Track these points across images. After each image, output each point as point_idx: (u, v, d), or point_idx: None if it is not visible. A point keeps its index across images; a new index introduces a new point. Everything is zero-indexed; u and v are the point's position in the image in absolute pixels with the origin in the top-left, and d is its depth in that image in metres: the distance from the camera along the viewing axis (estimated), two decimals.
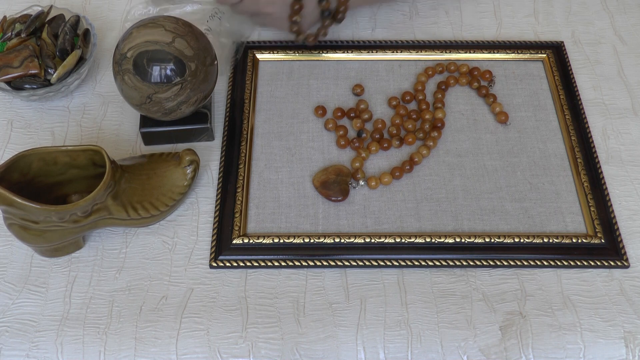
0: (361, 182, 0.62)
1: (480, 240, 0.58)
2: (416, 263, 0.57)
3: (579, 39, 0.76)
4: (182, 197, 0.60)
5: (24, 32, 0.67)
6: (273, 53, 0.72)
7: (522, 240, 0.58)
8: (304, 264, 0.57)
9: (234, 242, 0.58)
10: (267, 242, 0.58)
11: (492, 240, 0.58)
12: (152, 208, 0.58)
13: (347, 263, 0.57)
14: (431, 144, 0.65)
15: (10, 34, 0.67)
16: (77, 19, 0.69)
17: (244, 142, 0.65)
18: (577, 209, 0.61)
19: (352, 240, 0.58)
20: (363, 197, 0.62)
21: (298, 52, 0.73)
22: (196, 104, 0.60)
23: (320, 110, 0.67)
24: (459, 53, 0.73)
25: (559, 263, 0.58)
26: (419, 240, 0.58)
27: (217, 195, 0.61)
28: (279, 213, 0.61)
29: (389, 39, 0.74)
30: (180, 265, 0.58)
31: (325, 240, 0.58)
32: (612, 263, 0.57)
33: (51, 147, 0.55)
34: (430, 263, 0.57)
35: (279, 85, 0.70)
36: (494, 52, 0.73)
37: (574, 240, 0.58)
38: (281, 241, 0.58)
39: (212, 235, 0.59)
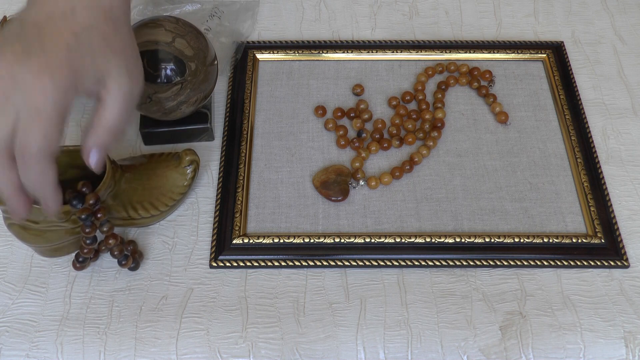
0: (361, 182, 0.62)
1: (480, 240, 0.58)
2: (416, 263, 0.57)
3: (579, 39, 0.76)
4: (182, 197, 0.60)
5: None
6: (273, 53, 0.72)
7: (522, 240, 0.58)
8: (304, 264, 0.57)
9: (234, 242, 0.58)
10: (267, 242, 0.58)
11: (492, 240, 0.58)
12: (152, 208, 0.58)
13: (347, 263, 0.57)
14: (431, 144, 0.65)
15: None
16: None
17: (244, 142, 0.65)
18: (577, 209, 0.61)
19: (352, 240, 0.58)
20: (363, 197, 0.62)
21: (298, 52, 0.73)
22: (196, 104, 0.60)
23: (320, 110, 0.67)
24: (459, 53, 0.73)
25: (559, 263, 0.58)
26: (419, 240, 0.58)
27: (217, 195, 0.61)
28: (279, 213, 0.61)
29: (389, 39, 0.74)
30: (180, 265, 0.58)
31: (325, 240, 0.58)
32: (612, 263, 0.57)
33: None
34: (430, 263, 0.57)
35: (279, 85, 0.70)
36: (494, 52, 0.73)
37: (574, 240, 0.58)
38: (281, 241, 0.58)
39: (212, 235, 0.59)
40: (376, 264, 0.57)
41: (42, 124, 0.42)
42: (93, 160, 0.48)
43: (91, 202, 0.51)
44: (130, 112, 0.48)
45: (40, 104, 0.42)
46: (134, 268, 0.56)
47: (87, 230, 0.52)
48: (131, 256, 0.56)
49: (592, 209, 0.60)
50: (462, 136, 0.66)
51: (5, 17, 0.69)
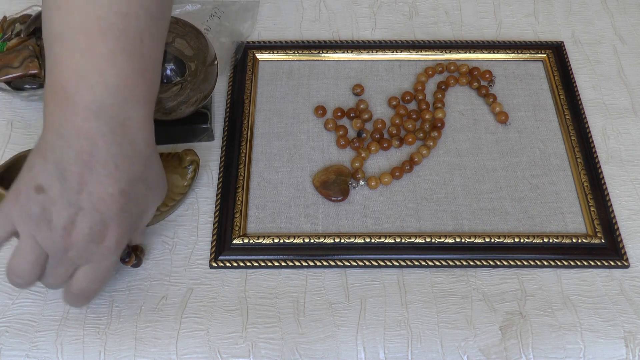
0: (361, 182, 0.62)
1: (480, 240, 0.58)
2: (416, 263, 0.57)
3: (579, 38, 0.76)
4: (182, 197, 0.60)
5: (24, 33, 0.67)
6: (273, 53, 0.72)
7: (522, 240, 0.58)
8: (304, 264, 0.57)
9: (234, 242, 0.58)
10: (267, 242, 0.58)
11: (492, 240, 0.58)
12: None
13: (347, 263, 0.57)
14: (431, 144, 0.65)
15: (10, 34, 0.67)
16: None
17: (244, 142, 0.65)
18: (577, 209, 0.61)
19: (352, 240, 0.58)
20: (363, 197, 0.62)
21: (298, 52, 0.73)
22: (196, 104, 0.60)
23: (320, 110, 0.67)
24: (459, 53, 0.73)
25: (559, 263, 0.58)
26: (419, 240, 0.58)
27: (217, 195, 0.61)
28: (279, 213, 0.61)
29: (389, 39, 0.74)
30: (180, 265, 0.58)
31: (325, 240, 0.58)
32: (612, 263, 0.57)
33: None
34: (430, 263, 0.57)
35: (279, 85, 0.70)
36: (494, 52, 0.73)
37: (574, 240, 0.58)
38: (281, 241, 0.58)
39: (212, 235, 0.59)
40: (376, 264, 0.57)
41: (99, 284, 0.49)
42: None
43: None
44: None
45: (102, 267, 0.47)
46: (136, 265, 0.56)
47: None
48: (133, 253, 0.55)
49: (592, 209, 0.60)
50: (462, 136, 0.66)
51: (5, 17, 0.69)
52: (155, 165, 0.49)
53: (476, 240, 0.58)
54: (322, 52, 0.73)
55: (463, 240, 0.58)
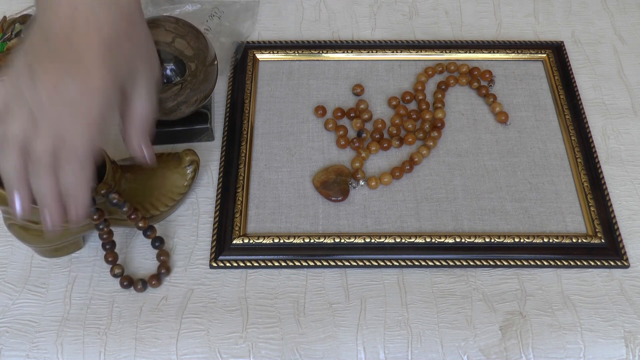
0: (361, 182, 0.62)
1: (480, 240, 0.58)
2: (416, 263, 0.57)
3: (579, 38, 0.76)
4: (182, 197, 0.60)
5: (24, 33, 0.67)
6: (273, 53, 0.72)
7: (522, 240, 0.58)
8: (304, 264, 0.57)
9: (234, 242, 0.58)
10: (267, 242, 0.58)
11: (492, 240, 0.58)
12: (152, 208, 0.58)
13: (347, 263, 0.57)
14: (431, 144, 0.65)
15: (10, 34, 0.67)
16: None
17: (244, 142, 0.65)
18: (577, 209, 0.61)
19: (352, 240, 0.58)
20: (363, 197, 0.62)
21: (298, 52, 0.73)
22: (196, 104, 0.60)
23: (320, 110, 0.67)
24: (459, 53, 0.73)
25: (559, 263, 0.58)
26: (419, 240, 0.58)
27: (217, 195, 0.61)
28: (279, 213, 0.61)
29: (389, 39, 0.74)
30: (180, 266, 0.58)
31: (325, 240, 0.58)
32: (612, 263, 0.58)
33: None
34: (430, 263, 0.57)
35: (279, 85, 0.70)
36: (494, 52, 0.73)
37: (574, 240, 0.58)
38: (281, 241, 0.58)
39: (212, 236, 0.59)
40: (376, 264, 0.57)
41: (88, 130, 0.45)
42: (147, 153, 0.51)
43: (102, 192, 0.52)
44: (155, 98, 0.51)
45: (87, 115, 0.45)
46: (155, 285, 0.56)
47: (114, 200, 0.53)
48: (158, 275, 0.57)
49: (592, 209, 0.60)
50: (462, 136, 0.66)
51: (5, 17, 0.69)
52: (141, 28, 0.50)
53: (476, 240, 0.58)
54: (322, 52, 0.73)
55: (463, 240, 0.58)
